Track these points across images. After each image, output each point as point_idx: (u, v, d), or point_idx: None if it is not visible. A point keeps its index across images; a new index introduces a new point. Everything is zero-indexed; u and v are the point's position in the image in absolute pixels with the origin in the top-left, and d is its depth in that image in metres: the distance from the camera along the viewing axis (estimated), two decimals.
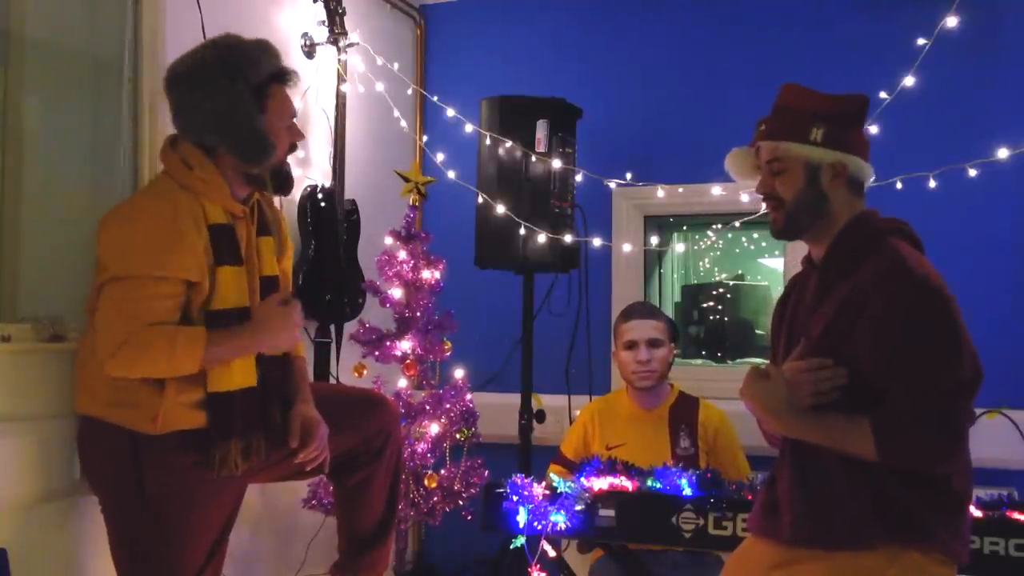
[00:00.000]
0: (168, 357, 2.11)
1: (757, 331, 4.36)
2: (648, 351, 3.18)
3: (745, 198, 3.54)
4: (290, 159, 2.63)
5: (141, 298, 2.11)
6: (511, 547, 2.73)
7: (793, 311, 2.09)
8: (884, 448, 1.81)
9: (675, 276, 4.47)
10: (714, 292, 4.34)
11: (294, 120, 2.36)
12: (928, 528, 1.84)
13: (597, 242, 3.52)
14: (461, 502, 3.23)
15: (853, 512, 1.86)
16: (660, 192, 3.64)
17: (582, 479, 2.70)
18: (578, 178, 3.44)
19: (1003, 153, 3.20)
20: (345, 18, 3.31)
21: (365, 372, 3.25)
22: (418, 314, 3.25)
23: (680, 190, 3.67)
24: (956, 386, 1.82)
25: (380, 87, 3.61)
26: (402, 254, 3.27)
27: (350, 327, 3.32)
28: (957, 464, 1.87)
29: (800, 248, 3.66)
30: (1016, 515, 2.38)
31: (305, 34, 3.37)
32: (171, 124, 2.30)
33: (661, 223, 4.07)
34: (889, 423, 1.82)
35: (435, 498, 3.19)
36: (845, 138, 1.99)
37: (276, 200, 2.51)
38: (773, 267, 4.58)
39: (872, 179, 2.07)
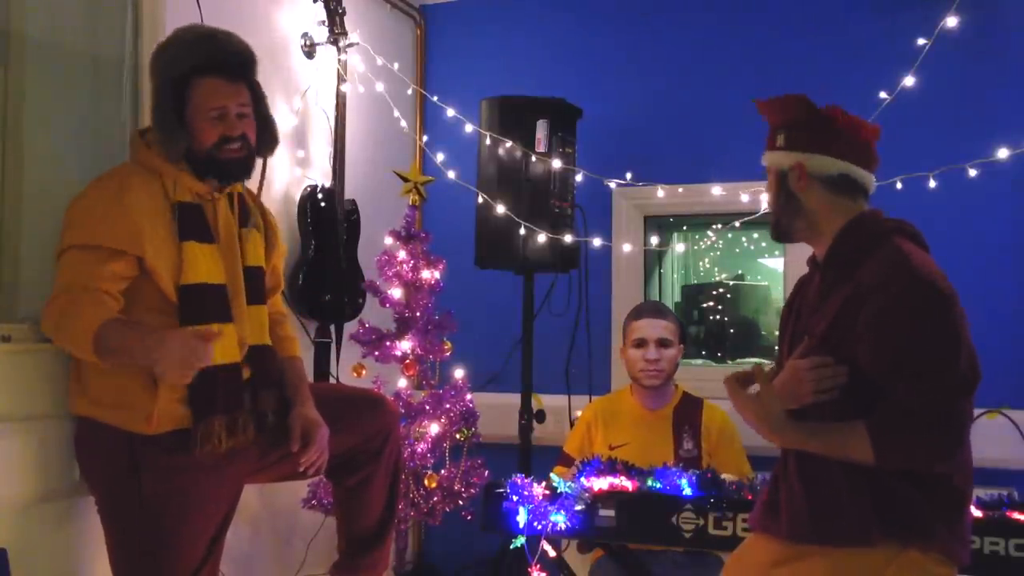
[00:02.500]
0: (65, 340, 2.13)
1: (757, 331, 4.36)
2: (657, 350, 3.17)
3: (745, 198, 3.55)
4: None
5: (76, 264, 2.14)
6: (511, 547, 2.73)
7: (798, 311, 2.10)
8: (881, 450, 1.82)
9: (675, 276, 4.47)
10: (714, 292, 4.34)
11: (230, 114, 2.29)
12: (928, 528, 1.84)
13: (597, 242, 3.52)
14: (461, 502, 3.23)
15: (854, 509, 1.86)
16: (660, 192, 3.64)
17: (582, 479, 2.70)
18: (578, 178, 3.44)
19: (1003, 153, 3.20)
20: (345, 18, 3.31)
21: (365, 372, 3.25)
22: (418, 314, 3.25)
23: (680, 190, 3.67)
24: (954, 384, 1.82)
25: (380, 87, 3.61)
26: (402, 254, 3.27)
27: (350, 327, 3.32)
28: (956, 463, 1.87)
29: (800, 248, 3.67)
30: (1016, 515, 2.38)
31: (305, 34, 3.37)
32: None
33: (661, 223, 4.07)
34: (885, 424, 1.82)
35: (435, 498, 3.18)
36: (804, 138, 2.04)
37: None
38: (773, 267, 4.58)
39: (864, 179, 2.05)
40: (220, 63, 2.29)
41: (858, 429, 1.84)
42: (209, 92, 2.27)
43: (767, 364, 3.05)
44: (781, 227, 2.11)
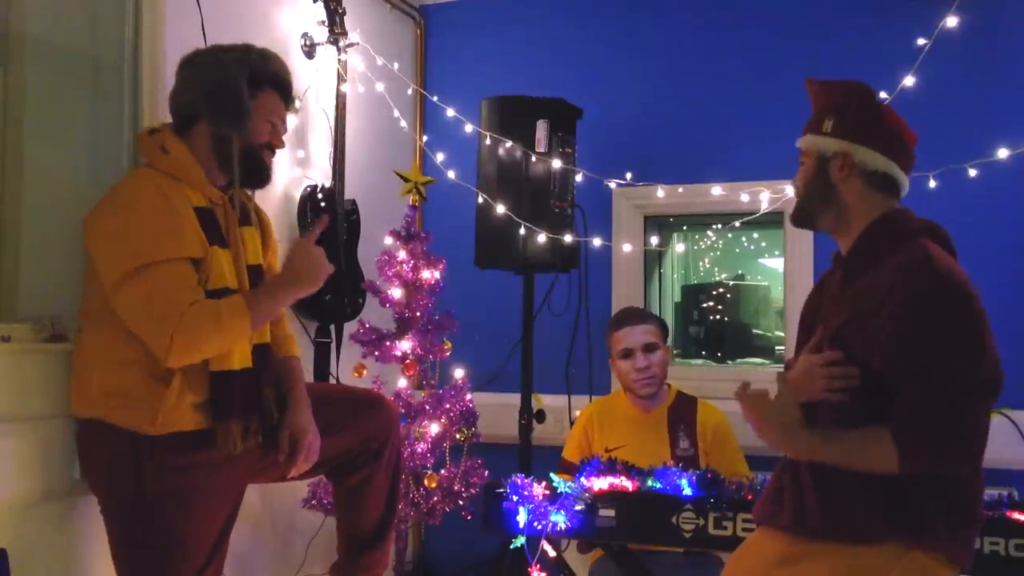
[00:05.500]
0: (218, 333, 2.15)
1: (757, 331, 4.36)
2: (645, 357, 3.16)
3: (745, 198, 3.55)
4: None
5: (167, 285, 2.13)
6: (511, 547, 2.73)
7: (817, 304, 2.09)
8: (908, 457, 1.79)
9: (675, 276, 4.47)
10: (714, 292, 4.34)
11: (280, 129, 2.41)
12: (933, 529, 1.84)
13: (597, 242, 3.52)
14: (461, 502, 3.22)
15: (863, 506, 1.86)
16: (660, 192, 3.64)
17: (582, 479, 2.70)
18: (578, 178, 3.44)
19: (1003, 153, 3.20)
20: (345, 18, 3.31)
21: (365, 372, 3.25)
22: (418, 314, 3.25)
23: (680, 190, 3.68)
24: (979, 387, 1.80)
25: (380, 87, 3.61)
26: (402, 254, 3.27)
27: (350, 327, 3.31)
28: (978, 465, 1.86)
29: (801, 248, 3.67)
30: (1016, 515, 2.38)
31: (305, 34, 3.37)
32: None
33: (661, 223, 4.07)
34: (911, 431, 1.80)
35: (435, 498, 3.18)
36: (855, 128, 2.01)
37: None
38: (773, 267, 4.58)
39: (902, 180, 2.03)
40: (288, 87, 2.42)
41: (880, 436, 1.81)
42: (275, 104, 2.40)
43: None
44: (805, 211, 2.07)
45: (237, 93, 2.28)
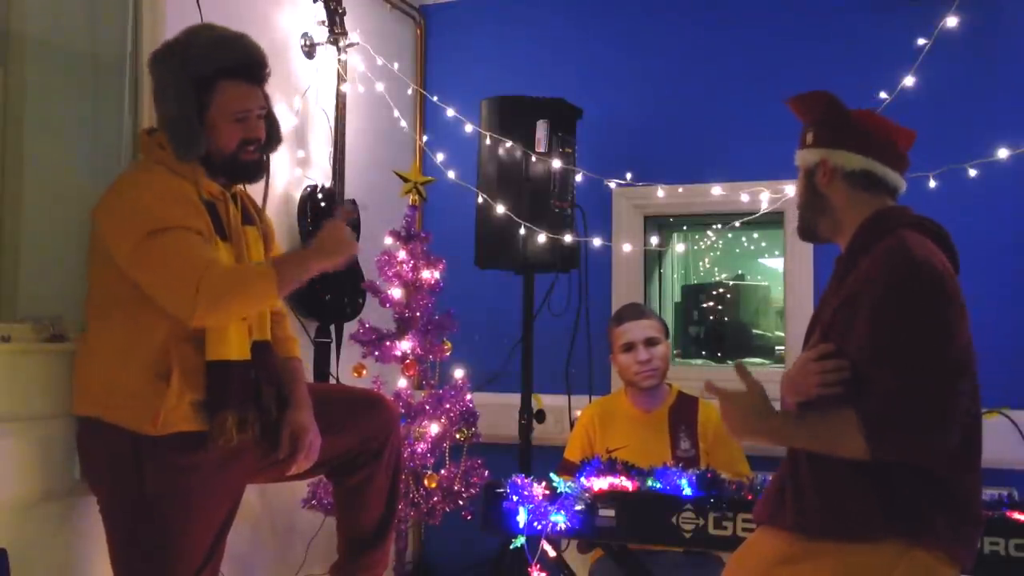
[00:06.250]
0: (243, 291, 2.16)
1: (757, 331, 4.36)
2: (647, 350, 3.17)
3: (745, 198, 3.55)
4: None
5: (182, 247, 2.13)
6: (511, 547, 2.73)
7: (817, 312, 2.11)
8: (874, 442, 1.79)
9: (675, 276, 4.47)
10: (714, 292, 4.34)
11: (253, 117, 2.32)
12: (933, 527, 1.83)
13: (597, 242, 3.52)
14: (461, 502, 3.22)
15: (862, 504, 1.85)
16: (660, 192, 3.64)
17: (582, 479, 2.70)
18: (578, 178, 3.44)
19: (1003, 153, 3.20)
20: (345, 18, 3.31)
21: (365, 372, 3.25)
22: (418, 314, 3.24)
23: (680, 190, 3.68)
24: (942, 370, 1.80)
25: (380, 87, 3.61)
26: (402, 254, 3.27)
27: (350, 327, 3.31)
28: (950, 451, 1.83)
29: (801, 248, 3.67)
30: (1016, 515, 2.38)
31: (305, 34, 3.37)
32: None
33: (661, 223, 4.07)
34: (874, 414, 1.79)
35: (435, 498, 3.18)
36: (829, 135, 2.06)
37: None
38: (773, 267, 4.58)
39: (889, 176, 2.04)
40: (245, 67, 2.32)
41: (848, 418, 1.81)
42: (235, 95, 2.29)
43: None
44: (804, 223, 2.13)
45: (185, 122, 2.23)
